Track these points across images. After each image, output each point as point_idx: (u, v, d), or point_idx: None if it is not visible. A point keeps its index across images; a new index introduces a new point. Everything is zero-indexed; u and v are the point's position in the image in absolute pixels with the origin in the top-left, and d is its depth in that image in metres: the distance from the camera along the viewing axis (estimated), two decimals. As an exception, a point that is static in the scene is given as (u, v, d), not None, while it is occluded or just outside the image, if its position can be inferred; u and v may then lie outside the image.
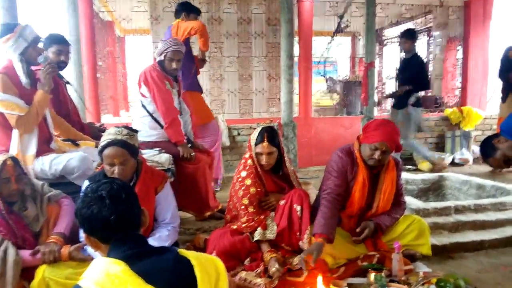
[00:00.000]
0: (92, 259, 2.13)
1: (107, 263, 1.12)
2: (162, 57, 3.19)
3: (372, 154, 2.51)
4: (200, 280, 1.17)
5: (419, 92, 5.04)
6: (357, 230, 2.55)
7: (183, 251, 1.24)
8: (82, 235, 2.25)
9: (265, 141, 2.59)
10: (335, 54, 6.79)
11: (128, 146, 2.19)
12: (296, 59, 6.16)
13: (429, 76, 6.62)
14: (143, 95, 3.21)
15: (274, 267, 2.33)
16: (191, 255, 1.22)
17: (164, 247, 1.28)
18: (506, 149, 2.26)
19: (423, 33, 8.32)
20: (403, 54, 5.16)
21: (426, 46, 8.21)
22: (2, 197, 2.16)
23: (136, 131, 2.33)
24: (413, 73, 4.79)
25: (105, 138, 2.20)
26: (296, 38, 6.29)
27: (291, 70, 5.41)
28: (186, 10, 4.00)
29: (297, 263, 2.35)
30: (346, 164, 2.60)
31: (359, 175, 2.58)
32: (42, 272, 2.04)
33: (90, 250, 2.14)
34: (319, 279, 2.05)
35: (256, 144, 2.62)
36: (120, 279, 1.06)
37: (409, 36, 4.83)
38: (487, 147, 2.36)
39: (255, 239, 2.52)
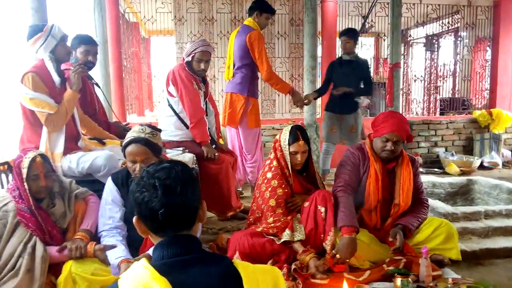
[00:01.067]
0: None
1: (146, 276, 0.99)
2: (190, 58, 3.19)
3: (384, 146, 2.55)
4: None
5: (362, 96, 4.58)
6: (390, 239, 2.51)
7: (237, 262, 1.09)
8: (101, 228, 2.28)
9: (301, 139, 2.60)
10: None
11: (150, 144, 2.20)
12: (319, 59, 6.12)
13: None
14: (170, 94, 3.23)
15: (318, 273, 2.32)
16: (244, 269, 1.07)
17: (217, 256, 1.14)
18: None
19: (450, 33, 8.13)
20: (341, 55, 4.60)
21: (453, 46, 8.02)
22: (31, 193, 2.21)
23: (160, 130, 2.35)
24: (360, 76, 4.41)
25: (128, 136, 2.23)
26: (320, 39, 6.23)
27: (314, 71, 5.35)
28: (260, 9, 3.81)
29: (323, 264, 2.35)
30: (358, 158, 2.66)
31: (371, 168, 2.62)
32: (69, 267, 2.09)
33: (109, 256, 2.15)
34: (345, 284, 2.01)
35: (290, 144, 2.61)
36: None
37: (352, 35, 4.44)
38: None
39: (283, 239, 2.48)
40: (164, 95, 3.35)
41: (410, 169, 2.65)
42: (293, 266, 2.38)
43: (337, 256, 2.31)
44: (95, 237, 2.30)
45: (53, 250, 2.17)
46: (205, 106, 3.35)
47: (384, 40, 9.00)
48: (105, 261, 2.16)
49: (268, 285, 1.09)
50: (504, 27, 6.80)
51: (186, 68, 3.21)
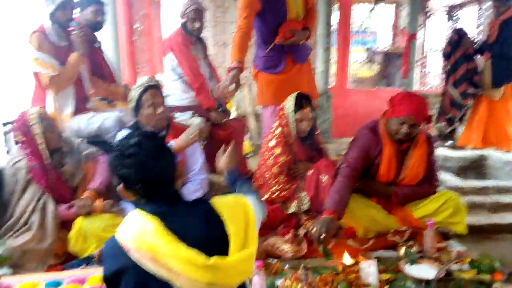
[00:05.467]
0: (124, 212, 2.22)
1: (142, 219, 1.13)
2: (185, 19, 3.14)
3: (399, 129, 2.41)
4: (232, 236, 1.18)
5: None
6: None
7: (213, 202, 1.25)
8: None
9: (306, 106, 2.59)
10: (375, 24, 6.46)
11: (161, 90, 2.36)
12: (333, 27, 5.95)
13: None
14: (170, 60, 3.20)
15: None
16: (221, 206, 1.23)
17: (198, 200, 1.33)
18: None
19: (474, 3, 7.82)
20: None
21: (476, 17, 7.74)
22: (48, 147, 2.25)
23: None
24: None
25: (140, 84, 2.31)
26: (335, 6, 6.03)
27: (328, 39, 5.23)
28: None
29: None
30: (370, 141, 2.52)
31: (384, 151, 2.50)
32: (80, 223, 2.14)
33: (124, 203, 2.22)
34: (346, 254, 2.04)
35: (296, 111, 2.59)
36: (153, 237, 1.09)
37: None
38: None
39: (290, 211, 2.54)
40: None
41: (425, 149, 2.54)
42: (302, 230, 2.42)
43: (312, 231, 2.18)
44: (105, 194, 2.34)
45: (62, 207, 2.23)
46: (208, 69, 3.32)
47: (402, 9, 8.70)
48: (115, 212, 2.23)
49: (240, 216, 1.26)
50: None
51: (183, 32, 3.15)
